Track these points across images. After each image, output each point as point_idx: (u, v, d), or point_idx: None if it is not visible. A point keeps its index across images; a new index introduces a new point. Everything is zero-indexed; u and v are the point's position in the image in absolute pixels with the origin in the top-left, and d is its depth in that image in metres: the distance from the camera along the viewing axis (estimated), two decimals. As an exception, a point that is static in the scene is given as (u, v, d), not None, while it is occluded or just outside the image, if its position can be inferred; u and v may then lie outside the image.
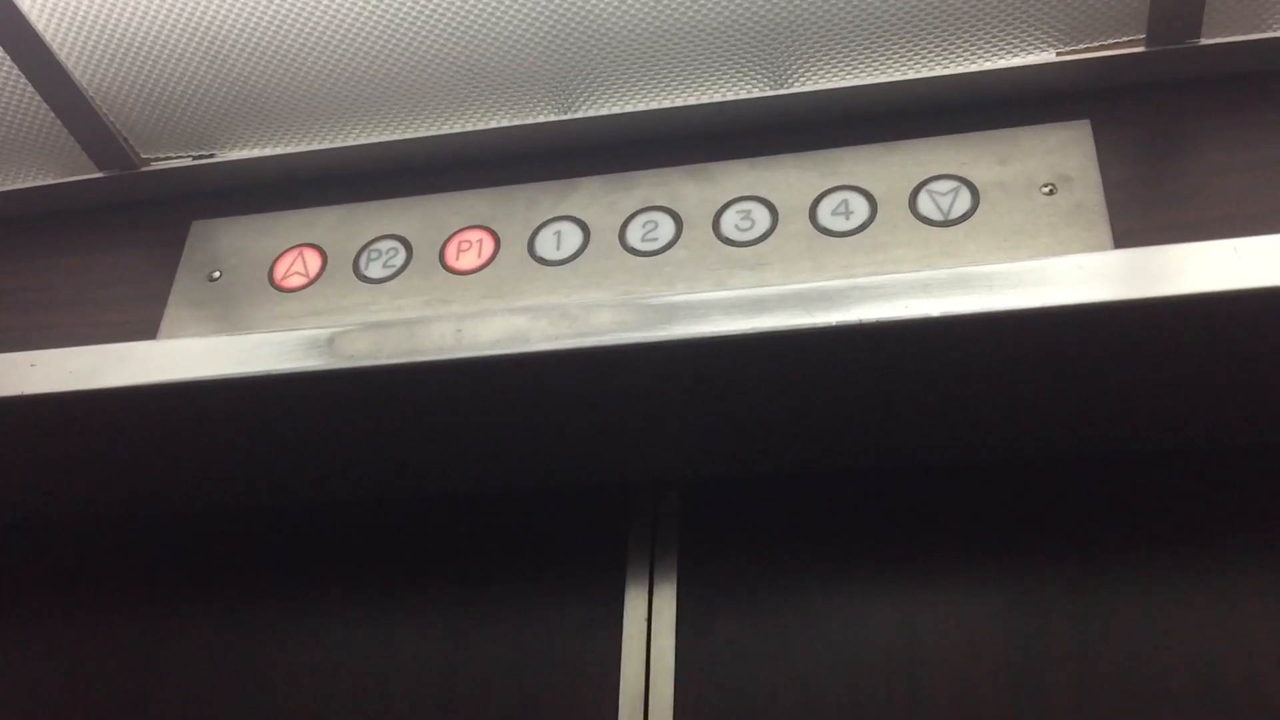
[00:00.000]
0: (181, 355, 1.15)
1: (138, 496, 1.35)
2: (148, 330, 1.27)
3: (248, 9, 1.23)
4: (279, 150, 1.33)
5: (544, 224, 1.22)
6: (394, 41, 1.24)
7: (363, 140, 1.31)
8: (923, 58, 1.18)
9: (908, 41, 1.18)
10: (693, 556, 1.24)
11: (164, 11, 1.25)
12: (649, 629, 1.20)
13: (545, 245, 1.21)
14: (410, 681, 1.24)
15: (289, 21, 1.24)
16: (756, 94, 1.22)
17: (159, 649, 1.32)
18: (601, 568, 1.25)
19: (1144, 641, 1.10)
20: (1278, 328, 0.98)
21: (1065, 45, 1.16)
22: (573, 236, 1.21)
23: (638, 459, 1.26)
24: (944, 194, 1.13)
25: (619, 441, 1.22)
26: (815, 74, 1.21)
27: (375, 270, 1.24)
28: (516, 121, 1.28)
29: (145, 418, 1.18)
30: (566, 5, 1.19)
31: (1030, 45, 1.16)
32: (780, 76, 1.22)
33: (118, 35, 1.27)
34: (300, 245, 1.28)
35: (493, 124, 1.29)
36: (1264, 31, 1.12)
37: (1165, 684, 1.08)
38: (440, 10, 1.21)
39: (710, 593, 1.22)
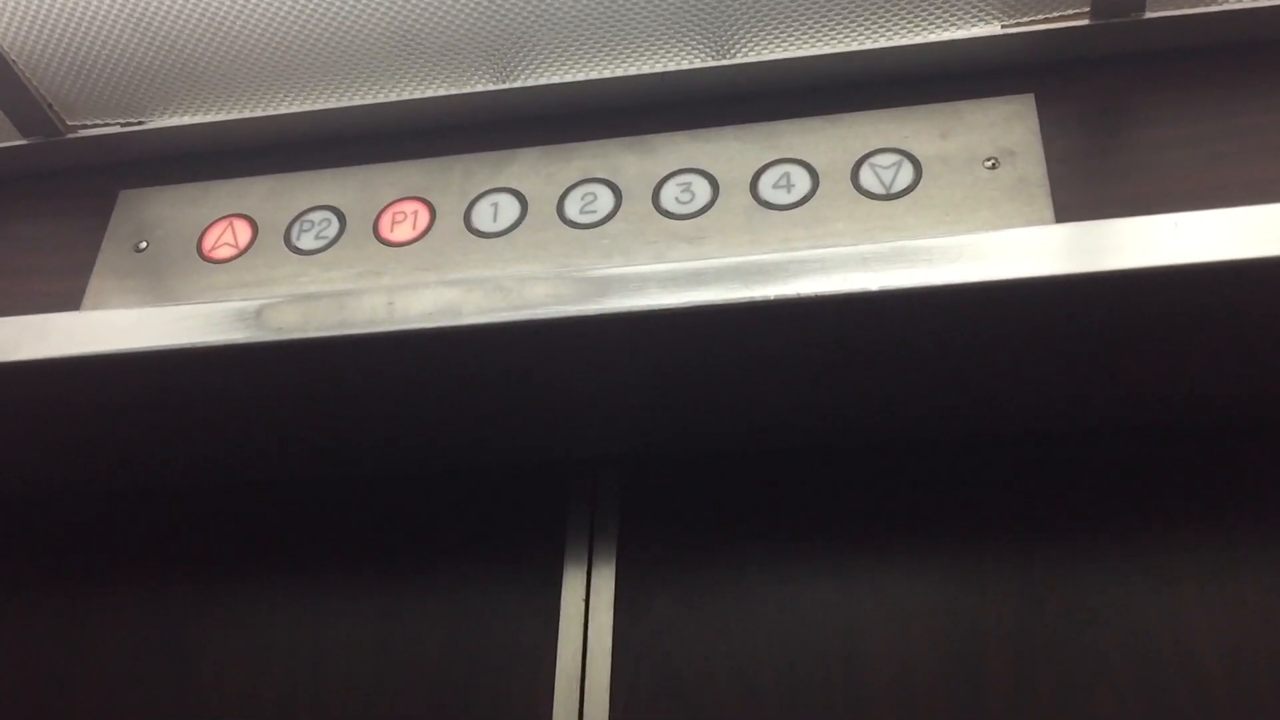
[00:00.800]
0: (104, 327, 1.12)
1: (58, 474, 1.32)
2: (71, 302, 1.23)
3: (176, -29, 1.20)
4: (209, 118, 1.30)
5: (481, 195, 1.20)
6: (328, 6, 1.21)
7: (296, 108, 1.28)
8: (866, 29, 1.16)
9: (852, 13, 1.16)
10: (632, 536, 1.23)
11: (89, -28, 1.21)
12: (586, 609, 1.19)
13: (482, 217, 1.18)
14: (341, 664, 1.21)
15: (219, -16, 1.21)
16: (699, 65, 1.20)
17: (80, 632, 1.29)
18: (539, 547, 1.24)
19: (1081, 622, 1.10)
20: (1217, 303, 0.98)
21: (1009, 18, 1.14)
22: (510, 208, 1.18)
23: (576, 436, 1.25)
24: (886, 167, 1.11)
25: (557, 418, 1.21)
26: (758, 45, 1.19)
27: (307, 241, 1.21)
28: (453, 90, 1.25)
29: (67, 392, 1.15)
30: (505, -29, 1.17)
31: (974, 17, 1.15)
32: (723, 47, 1.20)
33: (41, -3, 1.23)
34: (230, 215, 1.25)
35: (429, 93, 1.25)
36: (1208, 5, 1.11)
37: (1102, 664, 1.08)
38: (375, -26, 1.18)
39: (649, 573, 1.20)
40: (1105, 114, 1.12)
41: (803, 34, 1.18)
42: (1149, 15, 1.11)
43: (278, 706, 1.21)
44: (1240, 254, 0.94)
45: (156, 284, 1.23)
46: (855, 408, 1.16)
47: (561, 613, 1.19)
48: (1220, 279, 0.95)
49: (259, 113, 1.29)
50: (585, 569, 1.21)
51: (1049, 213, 1.06)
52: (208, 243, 1.24)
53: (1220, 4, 1.11)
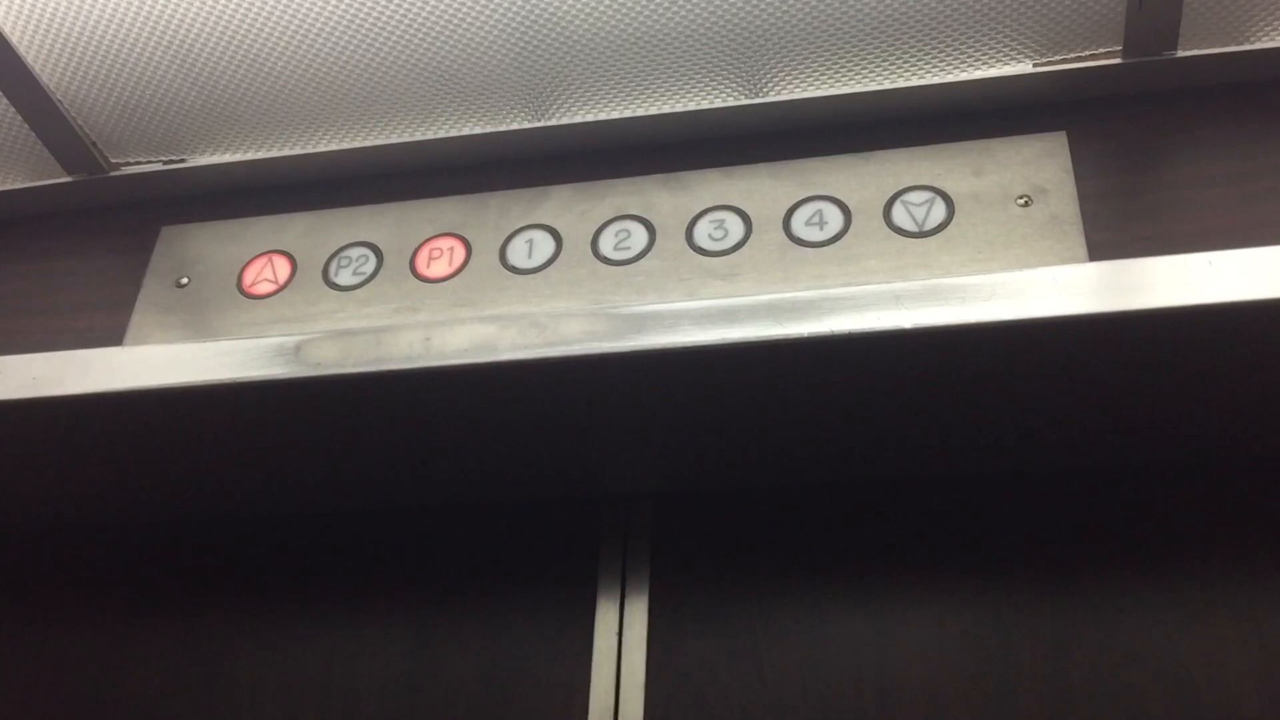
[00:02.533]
0: (146, 362, 1.14)
1: (101, 506, 1.34)
2: (114, 337, 1.25)
3: (218, 12, 1.22)
4: (249, 155, 1.32)
5: (516, 232, 1.21)
6: (366, 46, 1.23)
7: (334, 146, 1.30)
8: (899, 68, 1.17)
9: (884, 51, 1.17)
10: (664, 571, 1.23)
11: (134, 14, 1.23)
12: (620, 644, 1.19)
13: (517, 254, 1.19)
14: (376, 696, 1.22)
15: (260, 25, 1.22)
16: (732, 103, 1.21)
17: (121, 661, 1.30)
18: (572, 582, 1.24)
19: (1116, 660, 1.09)
20: (1252, 341, 0.98)
21: (1041, 56, 1.15)
22: (545, 245, 1.19)
23: (609, 472, 1.25)
24: (919, 205, 1.12)
25: (590, 454, 1.21)
26: (791, 83, 1.20)
27: (345, 278, 1.22)
28: (489, 128, 1.26)
29: (109, 426, 1.16)
30: (541, 10, 1.18)
31: (1006, 56, 1.15)
32: (756, 85, 1.21)
33: (86, 38, 1.25)
34: (269, 252, 1.26)
35: (465, 131, 1.27)
36: (1241, 44, 1.11)
37: (1139, 703, 1.07)
38: (413, 15, 1.20)
39: (682, 608, 1.20)
40: (1138, 152, 1.12)
41: (835, 73, 1.19)
42: (1181, 54, 1.12)
43: (312, 738, 1.21)
44: (1276, 293, 0.93)
45: (197, 319, 1.24)
46: (887, 444, 1.16)
47: (595, 647, 1.19)
48: (1255, 318, 0.94)
49: (298, 150, 1.31)
50: (618, 604, 1.22)
51: (1082, 251, 1.05)
52: (248, 278, 1.25)
53: (1253, 43, 1.12)
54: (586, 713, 1.16)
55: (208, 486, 1.28)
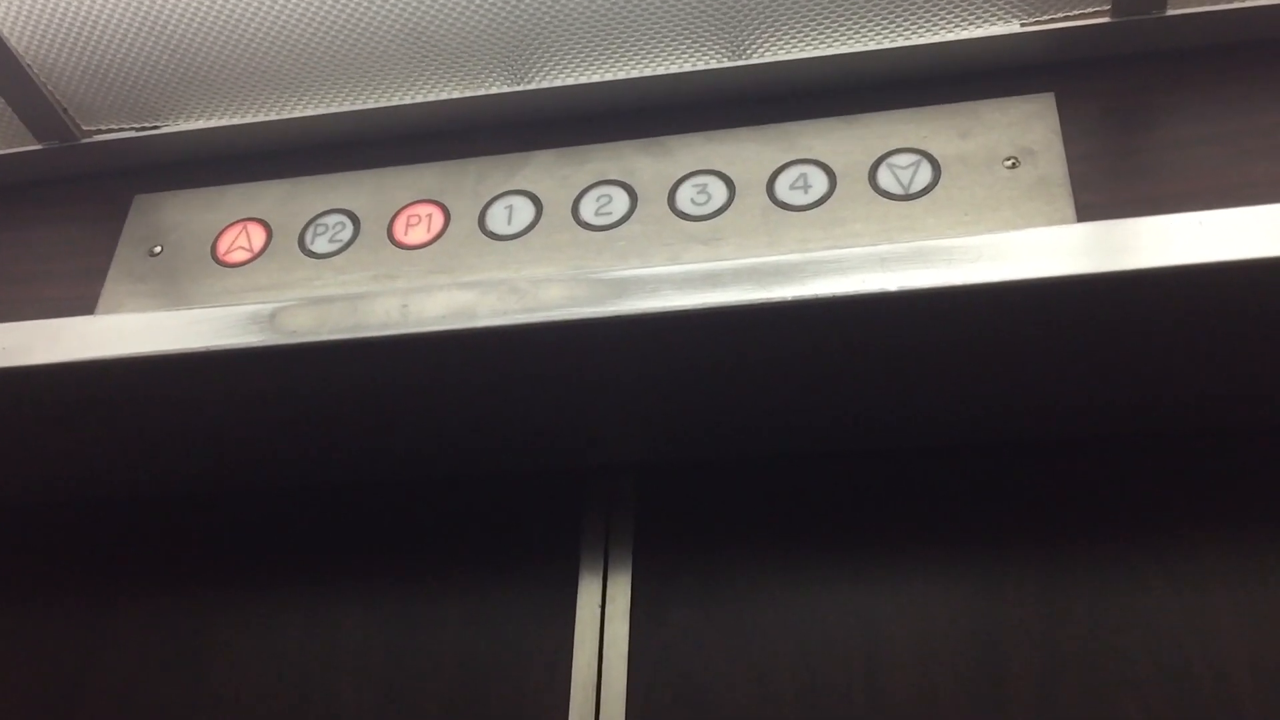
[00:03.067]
0: (117, 331, 1.12)
1: (74, 481, 1.32)
2: (86, 306, 1.23)
3: (190, -26, 1.20)
4: (223, 122, 1.29)
5: (495, 198, 1.19)
6: (343, 9, 1.20)
7: (310, 112, 1.27)
8: (884, 29, 1.15)
9: (869, 12, 1.15)
10: (648, 542, 1.21)
11: (105, -23, 1.21)
12: (602, 616, 1.18)
13: (496, 219, 1.17)
14: (355, 670, 1.20)
15: (233, -12, 1.20)
16: (715, 65, 1.19)
17: (96, 636, 1.28)
18: (554, 554, 1.22)
19: (1107, 630, 1.08)
20: (1243, 303, 0.96)
21: (1029, 16, 1.13)
22: (525, 211, 1.17)
23: (592, 442, 1.23)
24: (904, 168, 1.10)
25: (573, 423, 1.20)
26: (775, 45, 1.18)
27: (321, 245, 1.20)
28: (468, 93, 1.24)
29: (80, 396, 1.14)
30: (519, -27, 1.16)
31: (993, 16, 1.13)
32: (739, 47, 1.19)
33: (56, 3, 1.22)
34: (244, 220, 1.24)
35: (443, 95, 1.25)
36: (1230, 2, 1.10)
37: (1128, 673, 1.06)
38: (389, -23, 1.18)
39: (665, 580, 1.19)
40: (1127, 112, 1.10)
41: (819, 34, 1.17)
42: (1171, 13, 1.10)
43: (291, 714, 1.20)
44: (1267, 252, 0.92)
45: (171, 288, 1.22)
46: (874, 411, 1.14)
47: (577, 620, 1.18)
48: (1247, 278, 0.93)
49: (273, 116, 1.29)
50: (601, 576, 1.20)
51: (1070, 212, 1.04)
52: (222, 247, 1.23)
53: (1242, 1, 1.10)
54: (569, 686, 1.15)
55: (183, 460, 1.26)
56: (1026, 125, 1.10)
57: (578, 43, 1.21)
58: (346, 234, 1.21)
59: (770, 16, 1.17)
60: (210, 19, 1.23)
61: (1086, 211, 1.04)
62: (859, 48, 1.16)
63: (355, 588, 1.25)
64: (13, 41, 1.24)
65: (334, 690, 1.20)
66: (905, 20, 1.15)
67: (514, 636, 1.19)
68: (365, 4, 1.20)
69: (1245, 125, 1.05)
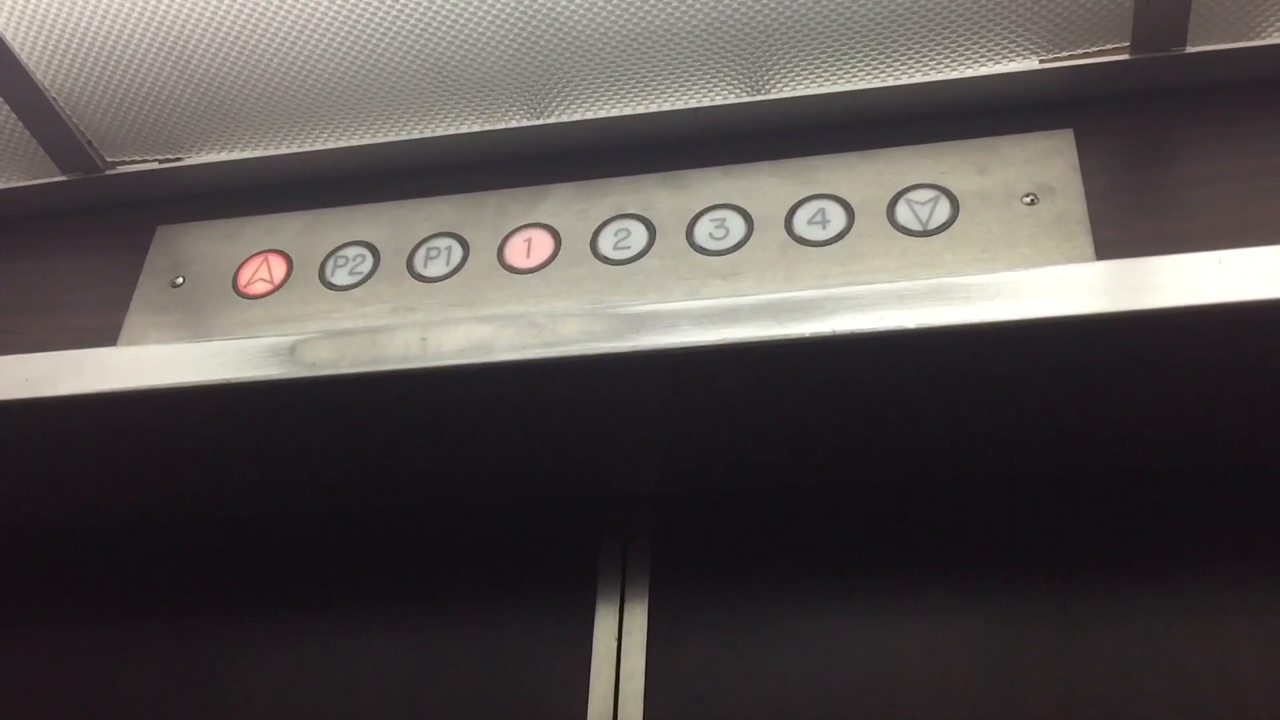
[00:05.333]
0: (139, 362, 1.12)
1: (95, 507, 1.32)
2: (108, 337, 1.24)
3: (213, 10, 1.21)
4: (245, 154, 1.30)
5: (514, 231, 1.19)
6: (363, 44, 1.22)
7: (331, 145, 1.28)
8: (903, 65, 1.16)
9: (888, 48, 1.15)
10: (665, 573, 1.21)
11: (129, 13, 1.22)
12: (619, 648, 1.18)
13: (515, 253, 1.18)
14: (372, 698, 1.21)
15: (257, 22, 1.21)
16: (733, 100, 1.20)
17: (116, 663, 1.28)
18: (571, 584, 1.22)
19: (1126, 666, 1.07)
20: (1262, 342, 0.96)
21: (1048, 53, 1.13)
22: (543, 244, 1.18)
23: (610, 473, 1.24)
24: (923, 204, 1.10)
25: (591, 455, 1.20)
26: (793, 80, 1.19)
27: (341, 277, 1.21)
28: (487, 126, 1.25)
29: (103, 427, 1.15)
30: (540, 7, 1.16)
31: (1012, 52, 1.14)
32: (758, 83, 1.19)
33: (81, 37, 1.24)
34: (265, 251, 1.25)
35: (463, 129, 1.26)
36: (1249, 40, 1.10)
37: (1148, 711, 1.05)
38: (410, 12, 1.19)
39: (682, 611, 1.19)
40: (1146, 149, 1.10)
41: (838, 69, 1.17)
42: (1190, 50, 1.10)
43: (308, 742, 1.20)
44: (1288, 292, 0.92)
45: (192, 319, 1.23)
46: (892, 445, 1.14)
47: (594, 651, 1.18)
48: (1267, 318, 0.92)
49: (294, 149, 1.30)
50: (618, 607, 1.20)
51: (1089, 249, 1.04)
52: (243, 278, 1.24)
53: (1262, 38, 1.10)
54: (585, 716, 1.15)
55: (203, 488, 1.27)
56: (1045, 162, 1.10)
57: (597, 77, 1.21)
58: (366, 266, 1.21)
59: (789, 52, 1.17)
60: (233, 53, 1.24)
61: (1105, 249, 1.03)
62: (878, 84, 1.17)
63: (373, 616, 1.25)
64: (38, 75, 1.26)
65: (351, 718, 1.20)
66: (924, 56, 1.15)
67: (530, 667, 1.19)
68: (387, 38, 1.21)
69: (1265, 163, 1.05)
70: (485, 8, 1.17)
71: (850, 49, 1.16)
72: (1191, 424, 1.09)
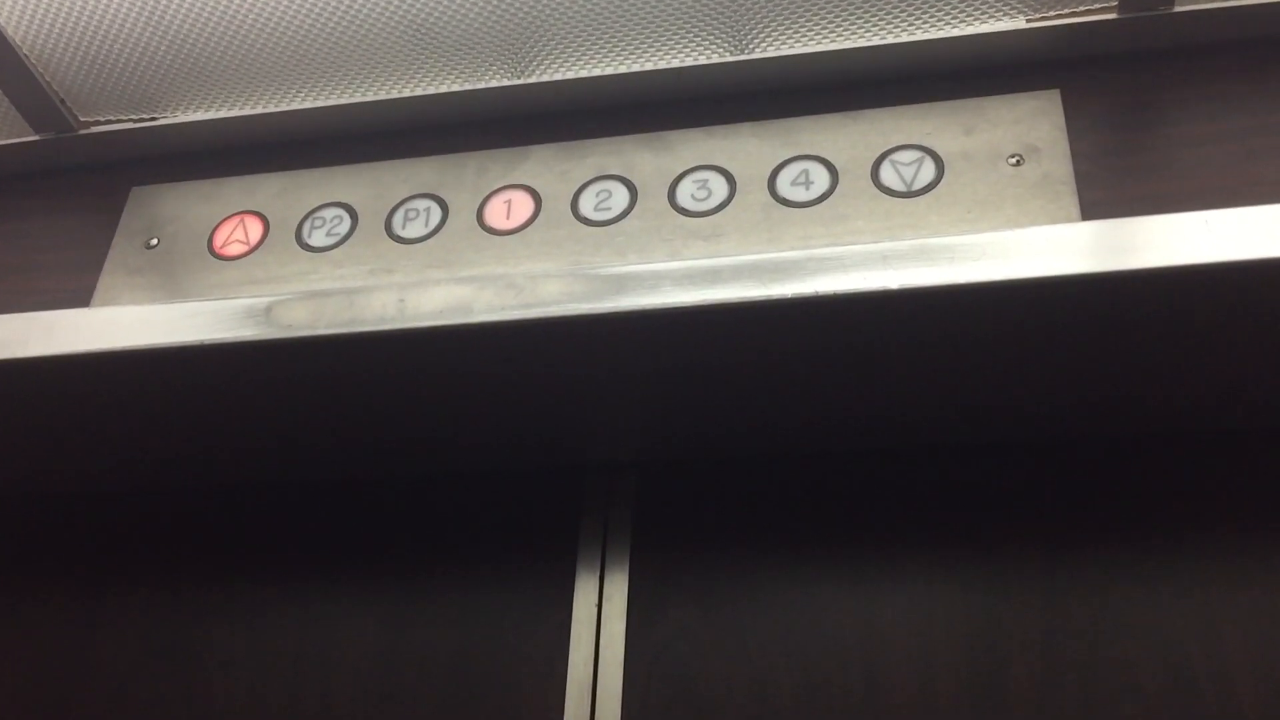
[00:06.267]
0: (112, 324, 1.10)
1: (67, 473, 1.31)
2: (81, 298, 1.22)
3: (189, -35, 1.19)
4: (222, 114, 1.28)
5: (494, 192, 1.18)
6: (341, 1, 1.19)
7: (308, 105, 1.27)
8: (888, 24, 1.14)
9: (873, 7, 1.13)
10: (647, 541, 1.20)
11: (103, -32, 1.20)
12: (599, 615, 1.17)
13: (495, 214, 1.16)
14: (349, 669, 1.19)
15: (232, -21, 1.19)
16: (716, 60, 1.18)
17: (90, 632, 1.27)
18: (552, 552, 1.21)
19: (1108, 633, 1.06)
20: (1249, 303, 0.95)
21: (1035, 12, 1.12)
22: (524, 205, 1.16)
23: (591, 440, 1.22)
24: (907, 164, 1.09)
25: (571, 420, 1.19)
26: (777, 40, 1.17)
27: (319, 239, 1.19)
28: (467, 86, 1.23)
29: (75, 389, 1.13)
30: (520, -35, 1.15)
31: (999, 12, 1.12)
32: (741, 42, 1.18)
33: (54, -8, 1.22)
34: (241, 213, 1.23)
35: (443, 89, 1.24)
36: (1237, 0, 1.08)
37: (1130, 678, 1.04)
38: (389, -32, 1.17)
39: (664, 579, 1.18)
40: (1133, 110, 1.09)
41: (823, 29, 1.16)
42: (1178, 9, 1.09)
43: (284, 711, 1.19)
44: (1274, 252, 0.90)
45: (166, 281, 1.21)
46: (875, 410, 1.13)
47: (574, 619, 1.17)
48: (1254, 278, 0.91)
49: (271, 109, 1.28)
50: (598, 575, 1.19)
51: (1075, 210, 1.03)
52: (219, 240, 1.22)
53: (1251, -2, 1.09)
54: (564, 685, 1.14)
55: (177, 454, 1.25)
56: (1031, 122, 1.08)
57: (579, 36, 1.20)
58: (344, 227, 1.20)
59: (772, 11, 1.15)
60: (209, 10, 1.22)
61: (1091, 210, 1.02)
62: (862, 43, 1.15)
63: (350, 584, 1.24)
64: (10, 33, 1.23)
65: (327, 688, 1.19)
66: (910, 16, 1.13)
67: (509, 635, 1.18)
68: (365, -4, 1.19)
69: (1252, 123, 1.04)
70: (465, -36, 1.16)
71: (835, 8, 1.14)
72: (1177, 390, 1.08)
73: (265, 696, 1.20)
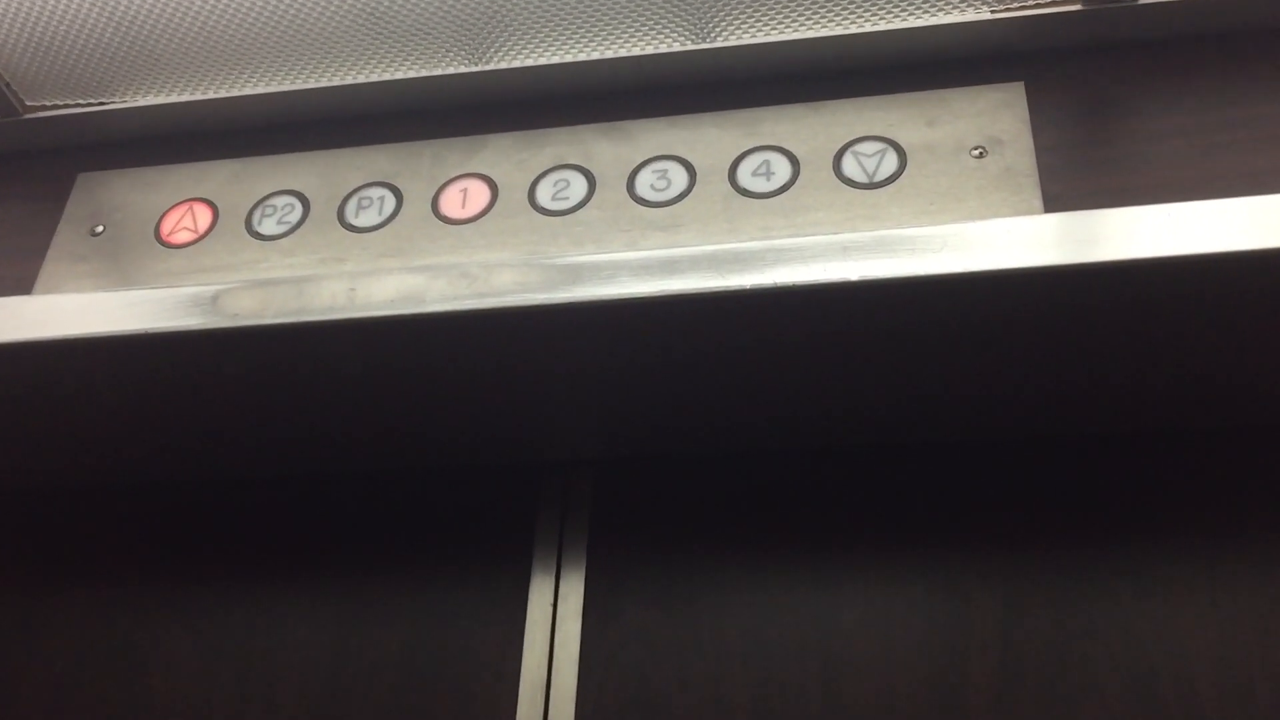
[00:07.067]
0: (53, 311, 1.08)
1: (3, 466, 1.27)
2: (23, 286, 1.19)
3: (138, -54, 1.16)
4: (171, 99, 1.25)
5: (450, 181, 1.15)
6: (295, -15, 1.17)
7: (260, 90, 1.23)
8: (851, 14, 1.12)
9: (836, -3, 1.12)
10: (603, 540, 1.19)
11: (49, -52, 1.17)
12: (554, 616, 1.15)
13: (450, 203, 1.14)
14: (296, 670, 1.17)
15: (183, -39, 1.17)
16: (677, 49, 1.16)
17: (28, 632, 1.24)
18: (506, 550, 1.19)
19: (1070, 635, 1.05)
20: (1210, 297, 0.94)
21: (999, 3, 1.11)
22: (480, 195, 1.14)
23: (547, 436, 1.20)
24: (869, 156, 1.07)
25: (527, 416, 1.16)
26: (739, 29, 1.15)
27: (269, 227, 1.17)
28: (424, 73, 1.20)
29: (13, 379, 1.10)
30: (478, -50, 1.13)
31: (963, 2, 1.10)
32: (702, 31, 1.16)
33: (-1, -28, 1.19)
34: (190, 200, 1.20)
35: (398, 75, 1.21)
36: (1204, -7, 1.08)
37: (1091, 680, 1.03)
38: (343, -49, 1.14)
39: (620, 579, 1.16)
40: (1097, 103, 1.08)
41: (785, 18, 1.14)
42: (1142, 2, 1.08)
43: (230, 713, 1.16)
44: (1236, 246, 0.89)
45: (112, 269, 1.18)
46: (835, 407, 1.12)
47: (528, 619, 1.15)
48: (1215, 271, 0.91)
49: (222, 94, 1.24)
50: (553, 574, 1.17)
51: (1038, 203, 1.01)
52: (166, 227, 1.19)
53: (1217, -8, 1.08)
54: (517, 687, 1.12)
55: (120, 448, 1.22)
56: (995, 114, 1.07)
57: (538, 23, 1.17)
58: (295, 216, 1.17)
59: (734, 0, 1.14)
60: (159, -8, 1.19)
61: (1054, 202, 1.01)
62: (825, 33, 1.13)
63: (298, 583, 1.22)
64: (-48, 12, 1.20)
65: (275, 689, 1.17)
66: (872, 6, 1.12)
67: (462, 635, 1.16)
68: (319, -21, 1.17)
69: (1215, 118, 1.03)
70: (422, -52, 1.13)
71: (798, -3, 1.13)
72: (1138, 385, 1.07)
73: (210, 698, 1.17)
